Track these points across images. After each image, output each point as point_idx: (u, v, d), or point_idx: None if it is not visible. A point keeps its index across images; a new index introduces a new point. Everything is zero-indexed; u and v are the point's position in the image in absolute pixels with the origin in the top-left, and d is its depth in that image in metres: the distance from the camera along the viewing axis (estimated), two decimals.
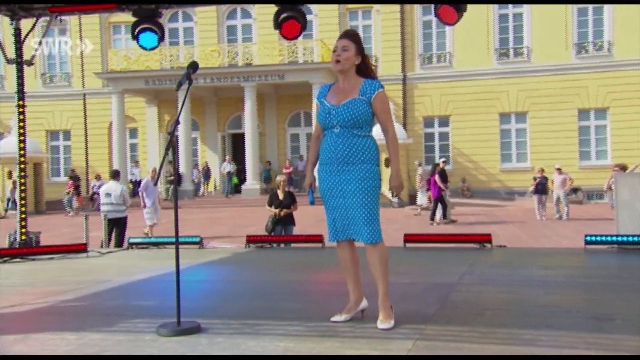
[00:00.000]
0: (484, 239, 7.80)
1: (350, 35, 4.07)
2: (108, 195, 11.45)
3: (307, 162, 4.27)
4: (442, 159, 18.61)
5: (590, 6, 24.05)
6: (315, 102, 4.18)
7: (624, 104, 23.52)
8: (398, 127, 22.18)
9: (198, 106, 26.45)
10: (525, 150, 24.52)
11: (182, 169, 25.65)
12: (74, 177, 25.65)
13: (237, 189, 25.65)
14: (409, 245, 8.09)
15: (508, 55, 24.58)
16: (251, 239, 8.73)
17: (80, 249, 8.49)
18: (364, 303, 4.18)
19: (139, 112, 27.98)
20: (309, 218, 18.74)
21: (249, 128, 24.49)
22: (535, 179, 17.90)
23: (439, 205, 16.72)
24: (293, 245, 8.82)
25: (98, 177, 26.58)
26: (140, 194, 13.98)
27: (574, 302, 4.60)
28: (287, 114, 26.69)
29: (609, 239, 7.41)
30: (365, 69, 4.07)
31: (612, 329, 3.74)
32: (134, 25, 8.92)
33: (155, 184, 12.61)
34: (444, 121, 25.21)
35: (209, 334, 3.92)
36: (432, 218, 16.69)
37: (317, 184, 4.14)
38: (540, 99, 24.01)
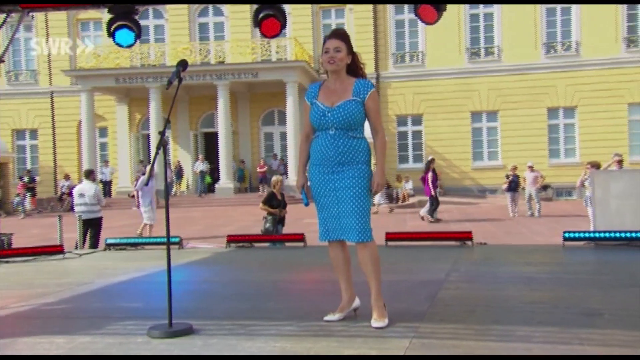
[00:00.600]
0: (465, 237, 7.87)
1: (341, 35, 4.05)
2: (81, 195, 11.23)
3: (298, 162, 4.25)
4: (430, 157, 18.80)
5: (558, 6, 24.44)
6: (305, 102, 4.15)
7: (592, 103, 23.98)
8: (368, 126, 22.24)
9: (169, 104, 26.08)
10: (496, 149, 24.83)
11: (155, 169, 25.38)
12: (30, 178, 25.17)
13: (210, 188, 25.48)
14: (390, 243, 8.12)
15: (479, 55, 24.86)
16: (232, 239, 8.67)
17: (56, 250, 8.33)
18: (357, 302, 4.19)
19: (109, 111, 27.55)
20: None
21: (222, 127, 24.30)
22: (507, 176, 18.15)
23: (429, 202, 16.90)
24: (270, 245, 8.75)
25: (67, 177, 26.17)
26: (135, 193, 13.73)
27: (560, 298, 4.67)
28: (260, 112, 26.54)
29: (586, 235, 7.55)
30: (355, 68, 4.07)
31: (602, 325, 3.80)
32: (110, 23, 8.78)
33: (147, 184, 12.35)
34: (417, 120, 25.37)
35: (201, 335, 3.89)
36: (431, 214, 16.85)
37: (309, 184, 4.14)
38: (510, 98, 24.33)
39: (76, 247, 10.36)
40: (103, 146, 27.92)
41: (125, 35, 8.85)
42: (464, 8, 24.33)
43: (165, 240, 8.73)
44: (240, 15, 25.92)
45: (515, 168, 18.38)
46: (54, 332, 4.06)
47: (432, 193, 16.65)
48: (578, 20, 24.30)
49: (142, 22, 28.77)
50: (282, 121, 25.69)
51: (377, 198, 20.07)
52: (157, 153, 4.03)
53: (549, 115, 24.61)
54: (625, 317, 3.93)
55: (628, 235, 7.19)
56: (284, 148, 25.60)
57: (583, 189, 12.88)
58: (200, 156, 25.67)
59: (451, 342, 3.52)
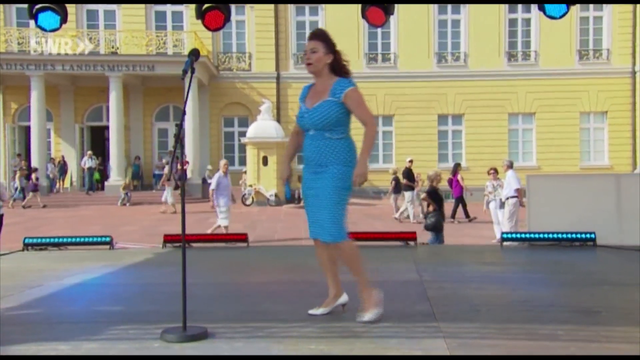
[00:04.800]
0: (409, 237, 8.04)
1: (318, 35, 4.11)
2: None
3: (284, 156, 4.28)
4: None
5: (449, 19, 25.70)
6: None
7: (477, 112, 25.43)
8: (275, 126, 22.12)
9: (52, 95, 24.52)
10: (390, 152, 25.62)
11: (35, 162, 23.71)
12: None
13: (98, 186, 24.24)
14: None
15: (376, 60, 25.52)
16: (168, 239, 8.29)
17: None
18: (344, 298, 4.25)
19: None
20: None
21: (114, 121, 23.13)
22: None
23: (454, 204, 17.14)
24: (214, 245, 8.46)
25: None
26: (210, 192, 12.18)
27: (546, 297, 4.90)
28: (154, 107, 25.50)
29: (522, 236, 8.00)
30: (338, 67, 4.09)
31: (610, 322, 3.98)
32: (32, 3, 8.12)
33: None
34: None
35: (221, 338, 3.70)
36: (453, 217, 16.81)
37: (292, 178, 4.36)
38: (405, 103, 25.23)
39: None
40: None
41: (49, 19, 8.20)
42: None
43: (95, 239, 8.21)
44: (133, 5, 24.84)
45: (396, 171, 19.31)
46: (48, 339, 3.69)
47: (460, 194, 17.07)
48: (466, 33, 25.67)
49: (22, 5, 26.50)
50: (178, 117, 24.90)
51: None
52: (175, 147, 3.78)
53: (439, 121, 25.79)
54: (622, 314, 4.18)
55: (559, 236, 7.71)
56: None
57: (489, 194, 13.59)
58: (89, 152, 24.26)
59: (485, 341, 3.58)
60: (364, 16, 8.30)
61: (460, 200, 17.39)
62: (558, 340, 3.55)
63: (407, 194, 17.40)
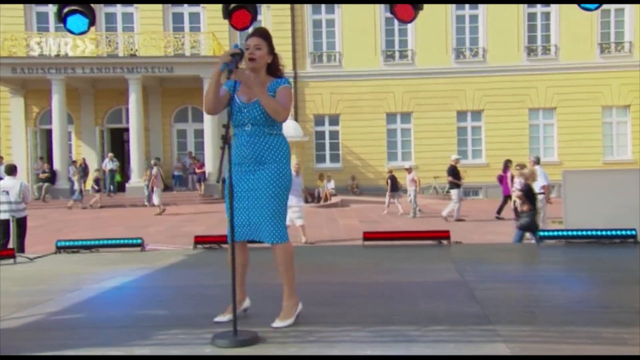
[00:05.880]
0: (442, 236, 7.92)
1: (262, 34, 4.08)
2: (5, 193, 10.23)
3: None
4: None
5: (467, 14, 25.44)
6: (224, 88, 4.02)
7: (497, 107, 25.19)
8: (294, 125, 22.18)
9: (72, 98, 24.64)
10: (409, 150, 25.47)
11: (57, 165, 23.87)
12: None
13: (119, 187, 24.31)
14: (367, 242, 8.04)
15: (394, 58, 25.34)
16: (199, 240, 8.24)
17: (6, 254, 7.54)
18: (247, 302, 4.30)
19: (1, 103, 25.51)
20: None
21: (134, 123, 23.20)
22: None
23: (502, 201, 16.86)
24: None
25: None
26: None
27: (599, 297, 4.77)
28: (172, 108, 25.54)
29: (559, 233, 7.84)
30: (275, 69, 4.08)
31: None
32: (61, 7, 8.11)
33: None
34: (334, 120, 25.51)
35: (272, 343, 3.61)
36: (499, 212, 16.69)
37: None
38: (423, 100, 25.05)
39: None
40: None
41: (77, 22, 8.24)
42: (379, 10, 24.77)
43: (127, 242, 8.17)
44: (151, 7, 24.90)
45: (391, 169, 19.55)
46: (98, 344, 3.63)
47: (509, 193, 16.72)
48: (484, 28, 25.42)
49: (42, 9, 26.54)
50: (197, 118, 24.99)
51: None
52: (223, 148, 3.69)
53: (458, 118, 25.57)
54: None
55: (598, 233, 7.55)
56: (198, 146, 24.88)
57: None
58: (110, 154, 24.34)
59: (548, 345, 3.45)
60: (392, 12, 8.19)
61: (508, 198, 17.17)
62: (626, 345, 3.42)
63: (454, 192, 17.08)
